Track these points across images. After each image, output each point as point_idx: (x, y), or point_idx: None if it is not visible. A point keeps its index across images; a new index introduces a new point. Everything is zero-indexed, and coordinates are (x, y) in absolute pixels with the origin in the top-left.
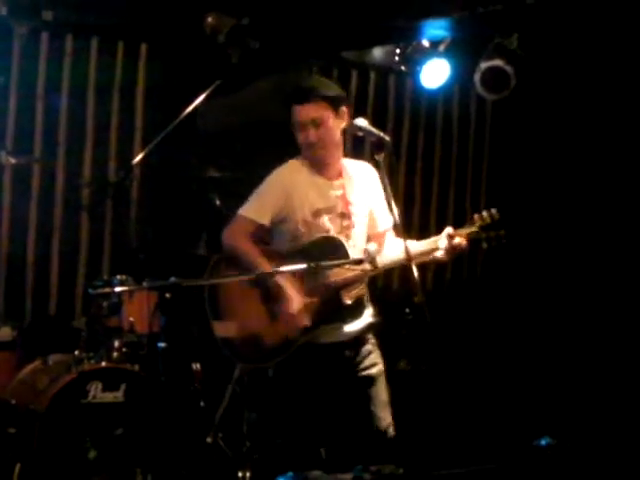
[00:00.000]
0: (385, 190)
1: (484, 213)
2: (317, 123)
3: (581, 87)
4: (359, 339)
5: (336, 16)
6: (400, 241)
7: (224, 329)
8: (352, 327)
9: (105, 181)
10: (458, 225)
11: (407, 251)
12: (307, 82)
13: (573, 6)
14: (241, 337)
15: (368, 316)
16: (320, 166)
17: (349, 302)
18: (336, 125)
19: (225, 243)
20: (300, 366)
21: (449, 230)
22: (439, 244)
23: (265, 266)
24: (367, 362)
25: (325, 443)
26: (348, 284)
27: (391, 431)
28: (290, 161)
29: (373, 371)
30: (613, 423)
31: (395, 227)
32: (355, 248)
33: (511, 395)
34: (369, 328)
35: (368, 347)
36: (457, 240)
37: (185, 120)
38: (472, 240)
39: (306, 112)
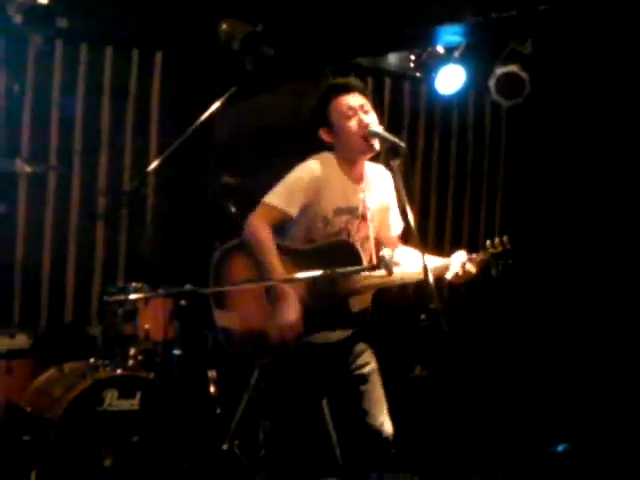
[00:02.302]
0: (399, 196)
1: (496, 240)
2: (366, 109)
3: (596, 93)
4: (351, 338)
5: (351, 22)
6: (411, 251)
7: (225, 319)
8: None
9: (120, 189)
10: (472, 235)
11: (424, 263)
12: (343, 79)
13: (587, 11)
14: (240, 329)
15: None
16: (349, 165)
17: (355, 311)
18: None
19: (247, 229)
20: (294, 364)
21: (462, 257)
22: (450, 268)
23: (278, 269)
24: (360, 361)
25: (338, 448)
26: (358, 292)
27: (386, 429)
28: (320, 155)
29: (366, 370)
30: (627, 429)
31: (411, 235)
32: (366, 252)
33: (526, 401)
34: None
35: (361, 345)
36: (468, 267)
37: (200, 128)
38: (483, 266)
39: (354, 100)
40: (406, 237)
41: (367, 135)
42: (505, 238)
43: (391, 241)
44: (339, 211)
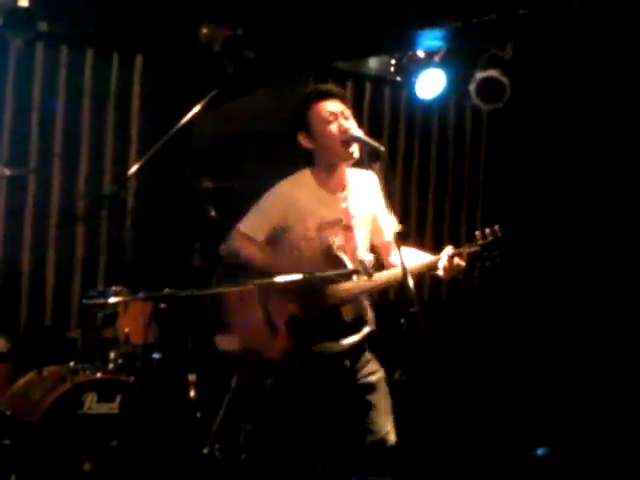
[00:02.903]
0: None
1: (486, 230)
2: (346, 115)
3: (576, 97)
4: (358, 348)
5: (331, 26)
6: (405, 250)
7: (226, 343)
8: (352, 338)
9: (100, 192)
10: (454, 236)
11: (402, 266)
12: (323, 85)
13: (567, 16)
14: (242, 351)
15: (368, 325)
16: (328, 174)
17: (348, 319)
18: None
19: (227, 253)
20: (299, 375)
21: (449, 250)
22: (439, 264)
23: (278, 260)
24: (366, 370)
25: (322, 454)
26: (349, 301)
27: (391, 439)
28: (295, 175)
29: (373, 379)
30: (611, 433)
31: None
32: (355, 261)
33: (506, 405)
34: (368, 337)
35: (367, 355)
36: (456, 261)
37: (180, 131)
38: (473, 259)
39: (333, 106)
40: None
41: (348, 139)
42: (497, 227)
43: (386, 246)
44: (321, 226)
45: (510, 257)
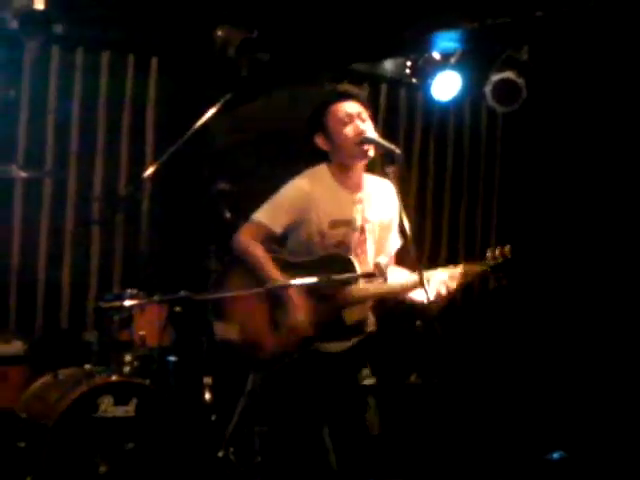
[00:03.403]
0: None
1: (497, 251)
2: (363, 117)
3: (592, 98)
4: (360, 349)
5: (347, 28)
6: (400, 269)
7: (225, 331)
8: (352, 341)
9: (116, 195)
10: (469, 238)
11: (419, 271)
12: (341, 86)
13: (583, 17)
14: (241, 341)
15: (368, 326)
16: (345, 173)
17: (354, 322)
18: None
19: (236, 247)
20: (301, 372)
21: (460, 270)
22: (430, 287)
23: (276, 275)
24: (365, 371)
25: (329, 452)
26: (352, 303)
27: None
28: (312, 169)
29: (372, 380)
30: (627, 437)
31: (406, 241)
32: (367, 265)
33: (522, 408)
34: (369, 337)
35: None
36: (448, 284)
37: (195, 133)
38: (482, 278)
39: (351, 107)
40: (401, 255)
41: (362, 141)
42: (507, 248)
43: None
44: (335, 223)
45: (514, 281)
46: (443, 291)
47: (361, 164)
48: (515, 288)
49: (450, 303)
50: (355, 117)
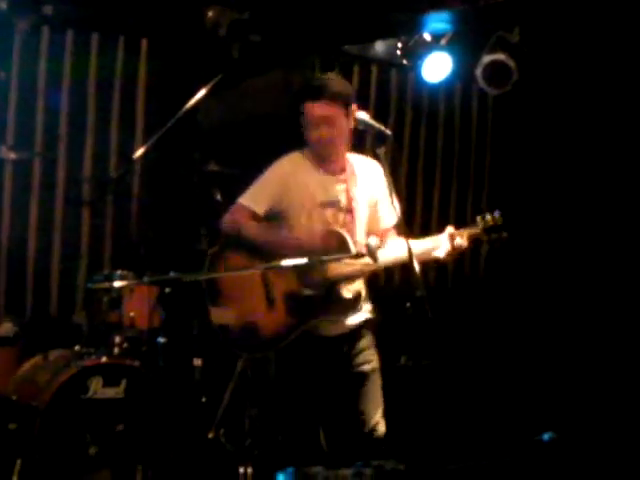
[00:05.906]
0: (388, 185)
1: (487, 216)
2: (329, 121)
3: (583, 81)
4: (356, 334)
5: (338, 10)
6: (401, 240)
7: (221, 316)
8: (350, 320)
9: (106, 176)
10: (460, 221)
11: (409, 250)
12: (319, 80)
13: None
14: (238, 325)
15: (366, 312)
16: (324, 161)
17: (348, 296)
18: (346, 124)
19: (225, 230)
20: (298, 357)
21: (450, 230)
22: (440, 244)
23: (278, 236)
24: (361, 358)
25: (321, 437)
26: (348, 278)
27: (380, 429)
28: (293, 153)
29: (366, 368)
30: (614, 418)
31: (397, 222)
32: (356, 244)
33: (512, 390)
34: (366, 323)
35: (364, 343)
36: (458, 241)
37: (186, 115)
38: (474, 240)
39: (319, 110)
40: (396, 226)
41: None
42: (497, 214)
43: (381, 232)
44: (320, 205)
45: (508, 242)
46: (451, 248)
47: (343, 150)
48: (503, 264)
49: (439, 285)
50: (322, 122)
